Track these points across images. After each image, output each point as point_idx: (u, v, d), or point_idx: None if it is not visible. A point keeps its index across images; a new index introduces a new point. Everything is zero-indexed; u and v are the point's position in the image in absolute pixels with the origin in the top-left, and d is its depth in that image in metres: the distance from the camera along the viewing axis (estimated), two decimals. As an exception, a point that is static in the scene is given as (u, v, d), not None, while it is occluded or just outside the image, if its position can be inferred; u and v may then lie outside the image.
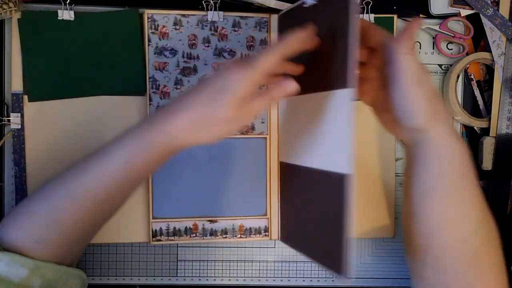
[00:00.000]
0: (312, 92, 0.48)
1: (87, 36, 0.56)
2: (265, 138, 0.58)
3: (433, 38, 0.60)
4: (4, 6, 0.54)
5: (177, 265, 0.60)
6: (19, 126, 0.56)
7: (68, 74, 0.56)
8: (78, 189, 0.44)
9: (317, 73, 0.47)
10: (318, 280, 0.60)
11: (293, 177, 0.54)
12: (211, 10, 0.57)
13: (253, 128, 0.58)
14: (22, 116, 0.56)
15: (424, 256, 0.46)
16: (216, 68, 0.43)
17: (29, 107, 0.56)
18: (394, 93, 0.44)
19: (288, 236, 0.57)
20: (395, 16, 0.58)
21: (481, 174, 0.61)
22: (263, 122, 0.58)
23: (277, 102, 0.44)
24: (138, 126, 0.45)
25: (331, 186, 0.44)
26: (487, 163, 0.59)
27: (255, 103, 0.43)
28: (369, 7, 0.57)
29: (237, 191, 0.58)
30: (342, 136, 0.43)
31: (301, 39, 0.44)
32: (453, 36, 0.59)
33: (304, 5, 0.49)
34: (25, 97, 0.56)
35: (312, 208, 0.49)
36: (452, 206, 0.45)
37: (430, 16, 0.60)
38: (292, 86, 0.43)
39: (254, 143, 0.58)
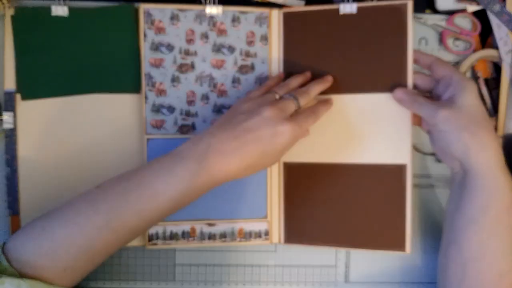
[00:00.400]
0: (344, 94, 0.55)
1: (82, 32, 0.55)
2: None
3: (440, 34, 0.59)
4: (-2, 2, 0.53)
5: (174, 269, 0.59)
6: (12, 126, 0.56)
7: (62, 71, 0.56)
8: (118, 221, 0.45)
9: (353, 76, 0.54)
10: (321, 285, 0.59)
11: (315, 175, 0.56)
12: (209, 4, 0.55)
13: None
14: (14, 115, 0.56)
15: (459, 285, 0.48)
16: (256, 107, 0.47)
17: (22, 106, 0.56)
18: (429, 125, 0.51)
19: (305, 236, 0.57)
20: (409, 3, 0.54)
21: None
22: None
23: None
24: (185, 163, 0.45)
25: (389, 176, 0.54)
26: (495, 164, 0.57)
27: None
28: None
29: (237, 193, 0.57)
30: (402, 132, 0.53)
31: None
32: (459, 33, 0.58)
33: (340, 13, 0.54)
34: (18, 96, 0.56)
35: (352, 200, 0.55)
36: (493, 240, 0.46)
37: (436, 11, 0.59)
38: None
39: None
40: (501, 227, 0.46)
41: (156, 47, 0.55)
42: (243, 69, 0.56)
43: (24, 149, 0.56)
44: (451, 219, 0.49)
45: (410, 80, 0.53)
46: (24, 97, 0.55)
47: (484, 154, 0.47)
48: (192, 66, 0.56)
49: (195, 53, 0.56)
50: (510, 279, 0.46)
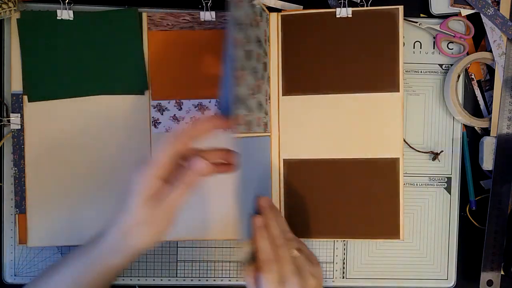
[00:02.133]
0: (339, 93, 0.57)
1: (87, 35, 0.56)
2: (268, 136, 0.58)
3: (434, 37, 0.59)
4: (4, 6, 0.54)
5: (176, 266, 0.60)
6: (19, 127, 0.56)
7: (68, 74, 0.56)
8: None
9: (348, 77, 0.57)
10: (318, 281, 0.60)
11: (314, 171, 0.58)
12: (207, 10, 0.56)
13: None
14: (21, 117, 0.56)
15: None
16: None
17: (29, 107, 0.56)
18: None
19: (305, 230, 0.58)
20: (400, 8, 0.57)
21: (482, 175, 0.61)
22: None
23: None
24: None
25: (383, 170, 0.57)
26: (488, 163, 0.58)
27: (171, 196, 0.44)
28: (369, 3, 0.58)
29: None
30: (394, 128, 0.57)
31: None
32: (453, 36, 0.59)
33: (337, 16, 0.57)
34: (25, 98, 0.56)
35: (350, 194, 0.58)
36: None
37: (430, 15, 0.59)
38: (202, 164, 0.44)
39: (258, 142, 0.58)
40: None
41: None
42: None
43: (31, 149, 0.56)
44: None
45: (401, 81, 0.57)
46: (31, 99, 0.56)
47: None
48: None
49: None
50: None
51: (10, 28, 0.56)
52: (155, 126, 0.57)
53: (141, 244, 0.45)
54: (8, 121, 0.56)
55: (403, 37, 0.57)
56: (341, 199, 0.58)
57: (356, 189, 0.58)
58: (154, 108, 0.57)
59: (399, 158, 0.57)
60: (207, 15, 0.56)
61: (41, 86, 0.56)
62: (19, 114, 0.56)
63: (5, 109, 0.57)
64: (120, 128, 0.57)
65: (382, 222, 0.58)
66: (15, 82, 0.56)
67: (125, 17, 0.56)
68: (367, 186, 0.58)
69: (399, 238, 0.58)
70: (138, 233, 0.44)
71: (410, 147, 0.60)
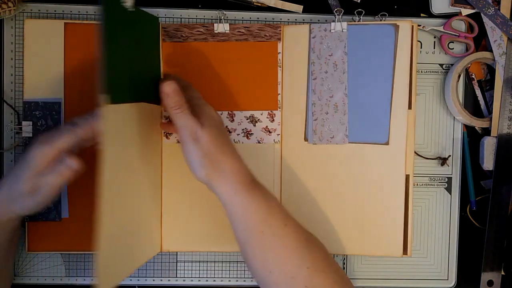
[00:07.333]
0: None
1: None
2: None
3: (439, 38, 0.59)
4: (3, 6, 0.54)
5: (176, 266, 0.60)
6: (31, 135, 0.56)
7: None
8: None
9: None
10: (319, 281, 0.60)
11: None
12: (220, 22, 0.57)
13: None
14: (33, 124, 0.56)
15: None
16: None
17: None
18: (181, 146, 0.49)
19: None
20: (415, 25, 0.56)
21: (483, 175, 0.61)
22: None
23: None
24: None
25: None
26: (489, 163, 0.58)
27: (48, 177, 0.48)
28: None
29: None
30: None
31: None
32: (458, 36, 0.59)
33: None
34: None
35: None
36: (269, 252, 0.48)
37: (431, 15, 0.59)
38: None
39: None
40: (267, 239, 0.48)
41: None
42: None
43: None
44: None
45: (413, 100, 0.56)
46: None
47: (220, 178, 0.48)
48: None
49: None
50: (301, 276, 0.47)
51: (10, 28, 0.56)
52: (166, 137, 0.57)
53: (20, 211, 0.49)
54: (20, 128, 0.56)
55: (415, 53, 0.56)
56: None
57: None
58: (167, 119, 0.57)
59: (409, 175, 0.57)
60: (221, 27, 0.56)
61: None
62: (31, 122, 0.56)
63: (17, 117, 0.57)
64: (132, 137, 0.55)
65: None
66: (27, 90, 0.55)
67: (147, 24, 0.54)
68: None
69: (406, 255, 0.58)
70: (22, 201, 0.48)
71: (419, 155, 0.60)
